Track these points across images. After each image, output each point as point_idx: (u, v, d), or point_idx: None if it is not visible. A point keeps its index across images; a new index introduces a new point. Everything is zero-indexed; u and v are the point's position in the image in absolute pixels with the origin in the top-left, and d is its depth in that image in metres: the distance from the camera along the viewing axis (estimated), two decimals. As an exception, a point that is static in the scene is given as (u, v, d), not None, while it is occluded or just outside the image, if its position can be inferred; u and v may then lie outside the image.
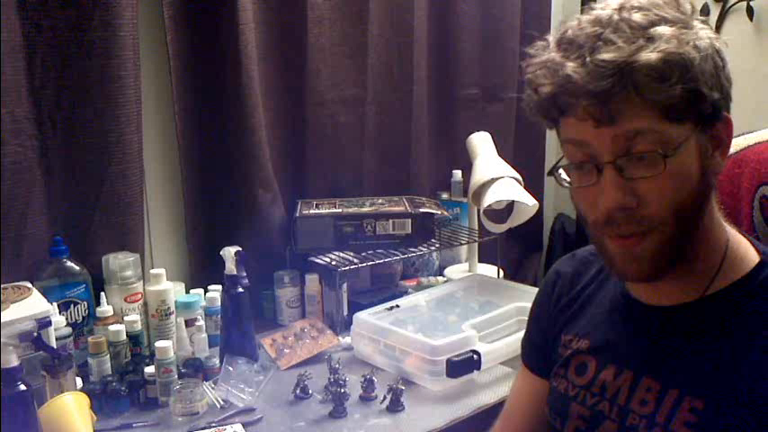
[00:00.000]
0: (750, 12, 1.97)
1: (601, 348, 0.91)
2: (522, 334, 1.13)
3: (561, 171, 0.83)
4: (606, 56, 0.73)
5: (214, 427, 1.29)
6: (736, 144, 1.05)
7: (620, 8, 0.76)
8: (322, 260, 1.76)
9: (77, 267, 1.48)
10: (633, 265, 0.80)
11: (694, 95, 0.74)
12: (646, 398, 0.83)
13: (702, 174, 0.78)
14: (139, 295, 1.54)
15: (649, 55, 0.72)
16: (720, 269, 0.82)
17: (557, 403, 0.95)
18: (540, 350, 1.03)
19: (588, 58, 0.73)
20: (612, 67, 0.72)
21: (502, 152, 1.97)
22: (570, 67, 0.74)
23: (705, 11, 2.02)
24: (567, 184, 0.83)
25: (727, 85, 0.79)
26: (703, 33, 0.76)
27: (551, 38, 0.80)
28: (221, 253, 1.52)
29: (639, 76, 0.72)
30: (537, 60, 0.80)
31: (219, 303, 1.57)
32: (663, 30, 0.74)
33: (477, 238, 2.01)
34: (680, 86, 0.73)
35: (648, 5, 0.76)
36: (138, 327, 1.48)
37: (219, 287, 1.60)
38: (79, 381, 1.35)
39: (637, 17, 0.74)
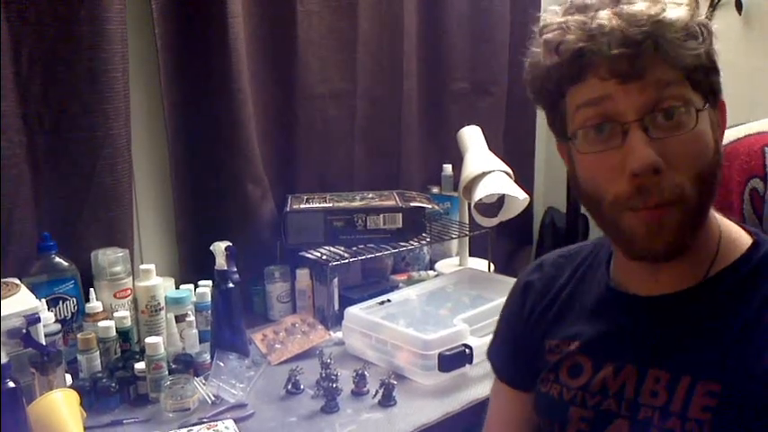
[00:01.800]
0: (739, 5, 1.97)
1: (593, 347, 0.89)
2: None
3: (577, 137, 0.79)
4: (639, 8, 0.73)
5: (205, 422, 1.29)
6: (726, 137, 1.05)
7: None
8: (312, 255, 1.76)
9: (66, 263, 1.47)
10: (659, 238, 0.76)
11: (711, 63, 0.76)
12: (656, 389, 0.81)
13: (716, 147, 0.78)
14: (129, 291, 1.53)
15: (679, 12, 0.73)
16: (717, 254, 0.82)
17: (551, 409, 0.91)
18: (516, 363, 1.00)
19: (622, 8, 0.74)
20: (647, 18, 0.72)
21: (492, 146, 1.97)
22: (604, 16, 0.74)
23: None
24: (582, 152, 0.79)
25: None
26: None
27: (558, 7, 0.79)
28: (211, 248, 1.51)
29: (671, 32, 0.73)
30: (556, 21, 0.78)
31: (210, 299, 1.56)
32: None
33: (467, 233, 2.01)
34: (704, 49, 0.75)
35: None
36: (128, 323, 1.47)
37: (210, 283, 1.59)
38: (69, 377, 1.34)
39: None
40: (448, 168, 2.17)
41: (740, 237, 0.84)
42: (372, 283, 1.93)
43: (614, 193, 0.76)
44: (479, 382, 1.44)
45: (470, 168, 1.88)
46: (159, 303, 1.55)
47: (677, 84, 0.74)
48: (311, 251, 1.77)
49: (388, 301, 1.65)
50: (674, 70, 0.74)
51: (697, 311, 0.82)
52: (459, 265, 2.06)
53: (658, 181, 0.74)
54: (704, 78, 0.76)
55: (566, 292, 0.95)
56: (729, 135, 1.06)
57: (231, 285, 1.50)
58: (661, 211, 0.75)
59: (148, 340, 1.38)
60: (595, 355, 0.88)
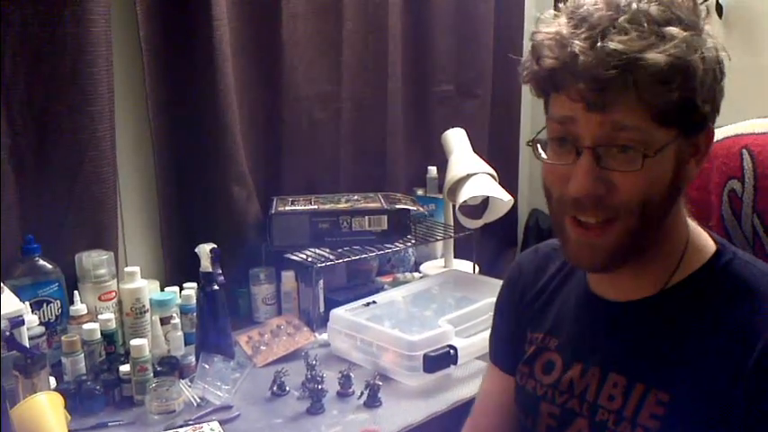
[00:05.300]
0: (719, 9, 2.00)
1: (567, 346, 0.92)
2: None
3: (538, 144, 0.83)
4: (616, 45, 0.71)
5: (191, 425, 1.29)
6: (707, 139, 1.07)
7: None
8: (298, 257, 1.76)
9: (50, 266, 1.46)
10: (587, 253, 0.81)
11: (688, 105, 0.75)
12: (613, 393, 0.84)
13: (675, 178, 0.79)
14: (113, 293, 1.53)
15: (657, 56, 0.71)
16: (680, 263, 0.83)
17: (526, 403, 0.95)
18: (507, 346, 1.03)
19: (599, 43, 0.72)
20: (619, 59, 0.71)
21: (476, 148, 1.98)
22: (578, 46, 0.73)
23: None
24: (542, 158, 0.82)
25: (720, 98, 0.79)
26: (711, 43, 0.76)
27: (563, 9, 0.78)
28: (196, 250, 1.51)
29: (643, 74, 0.71)
30: (546, 30, 0.77)
31: (195, 301, 1.56)
32: (675, 31, 0.73)
33: (452, 234, 2.02)
34: (678, 93, 0.73)
35: (667, 0, 0.75)
36: (113, 325, 1.47)
37: (195, 285, 1.59)
38: (53, 380, 1.33)
39: (654, 10, 0.73)
40: (433, 170, 2.18)
41: (706, 245, 0.85)
42: (358, 284, 1.94)
43: (558, 195, 0.81)
44: (464, 383, 1.45)
45: (455, 170, 1.89)
46: (144, 306, 1.54)
47: (637, 125, 0.74)
48: (296, 253, 1.77)
49: (374, 302, 1.66)
50: (639, 110, 0.73)
51: (655, 321, 0.84)
52: (444, 266, 2.07)
53: (596, 202, 0.77)
54: (678, 116, 0.75)
55: (553, 284, 0.98)
56: (709, 137, 1.07)
57: (216, 287, 1.50)
58: (595, 231, 0.79)
59: (133, 342, 1.37)
60: (567, 354, 0.91)
